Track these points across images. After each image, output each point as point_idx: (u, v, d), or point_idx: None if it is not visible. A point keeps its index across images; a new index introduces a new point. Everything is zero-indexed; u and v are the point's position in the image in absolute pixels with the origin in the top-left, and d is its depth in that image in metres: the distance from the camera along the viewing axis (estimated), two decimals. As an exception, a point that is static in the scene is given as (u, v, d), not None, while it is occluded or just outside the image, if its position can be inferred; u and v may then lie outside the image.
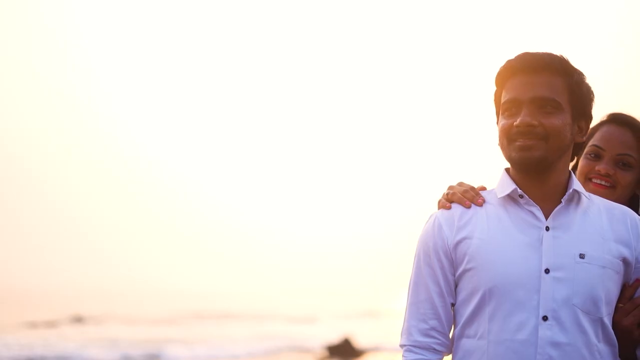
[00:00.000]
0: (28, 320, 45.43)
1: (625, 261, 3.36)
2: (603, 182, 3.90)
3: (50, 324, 43.32)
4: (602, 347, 3.31)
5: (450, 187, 3.50)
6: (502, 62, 3.38)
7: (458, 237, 3.35)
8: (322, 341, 34.79)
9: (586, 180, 3.93)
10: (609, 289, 3.32)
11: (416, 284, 3.43)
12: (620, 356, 3.39)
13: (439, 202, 3.48)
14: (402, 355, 3.42)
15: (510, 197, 3.37)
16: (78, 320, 47.11)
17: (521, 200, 3.35)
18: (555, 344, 3.24)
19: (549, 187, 3.36)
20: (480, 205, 3.40)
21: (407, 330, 3.42)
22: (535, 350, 3.24)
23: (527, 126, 3.28)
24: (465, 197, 3.42)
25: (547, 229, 3.32)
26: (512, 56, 3.39)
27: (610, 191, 3.89)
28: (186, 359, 30.17)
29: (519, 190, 3.35)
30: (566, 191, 3.37)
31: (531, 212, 3.34)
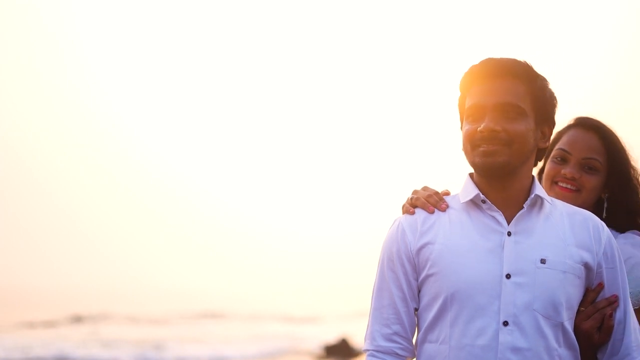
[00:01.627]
0: (26, 320, 45.37)
1: (586, 266, 3.38)
2: (569, 186, 3.91)
3: (49, 324, 43.26)
4: (563, 352, 3.34)
5: (415, 192, 3.52)
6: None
7: (421, 243, 3.38)
8: (320, 341, 34.76)
9: (552, 183, 3.95)
10: (570, 294, 3.34)
11: (379, 289, 3.45)
12: None
13: (403, 206, 3.50)
14: None
15: (473, 202, 3.40)
16: (77, 320, 47.04)
17: (484, 206, 3.37)
18: (516, 349, 3.27)
19: (511, 193, 3.38)
20: (444, 210, 3.42)
21: (370, 335, 3.44)
22: (495, 356, 3.27)
23: (490, 132, 3.29)
24: (428, 202, 3.44)
25: (509, 234, 3.34)
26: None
27: (575, 195, 3.90)
28: (185, 359, 30.13)
29: (481, 195, 3.37)
30: (529, 196, 3.39)
31: (493, 217, 3.36)
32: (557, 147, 3.98)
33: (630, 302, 3.48)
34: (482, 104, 3.33)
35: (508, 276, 3.30)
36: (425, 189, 3.52)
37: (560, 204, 3.47)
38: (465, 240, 3.34)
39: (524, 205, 3.37)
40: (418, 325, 3.43)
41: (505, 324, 3.28)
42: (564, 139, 3.98)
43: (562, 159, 3.95)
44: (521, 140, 3.33)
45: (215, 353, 31.73)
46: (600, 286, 3.42)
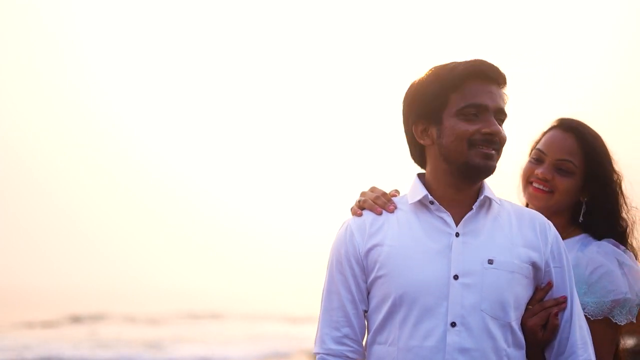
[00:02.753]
0: (25, 320, 45.32)
1: (534, 265, 3.38)
2: (541, 187, 3.87)
3: (47, 324, 43.21)
4: (511, 352, 3.34)
5: (362, 194, 3.51)
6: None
7: (369, 245, 3.37)
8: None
9: (527, 183, 3.92)
10: (517, 294, 3.34)
11: (329, 292, 3.44)
12: (527, 358, 3.42)
13: (351, 209, 3.49)
14: None
15: (421, 203, 3.39)
16: (75, 320, 47.00)
17: (432, 207, 3.37)
18: (464, 350, 3.27)
19: (463, 194, 3.38)
20: (392, 211, 3.42)
21: (320, 338, 3.43)
22: (443, 357, 3.26)
23: (497, 135, 3.32)
24: (376, 203, 3.43)
25: (457, 235, 3.34)
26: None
27: (548, 196, 3.87)
28: (185, 359, 30.08)
29: (429, 196, 3.37)
30: (478, 197, 3.39)
31: (441, 218, 3.36)
32: (536, 147, 3.96)
33: (577, 301, 3.48)
34: (484, 104, 3.32)
35: (456, 277, 3.30)
36: (373, 190, 3.52)
37: (508, 205, 3.47)
38: (414, 242, 3.34)
39: (473, 207, 3.37)
40: (367, 327, 3.43)
41: (453, 325, 3.28)
42: (543, 139, 3.94)
43: (538, 160, 3.91)
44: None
45: (214, 353, 31.68)
46: (549, 285, 3.42)
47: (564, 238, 3.86)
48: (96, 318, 48.97)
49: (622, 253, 3.80)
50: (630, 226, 3.90)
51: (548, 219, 3.82)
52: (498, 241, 3.35)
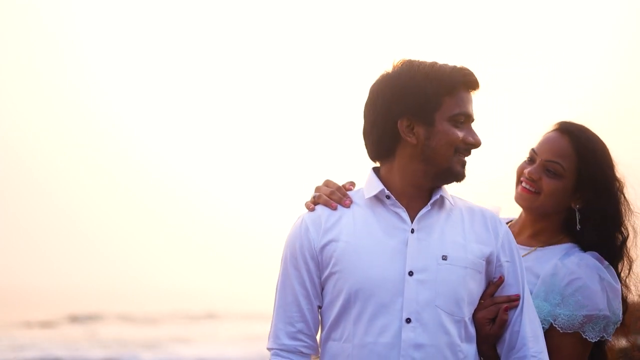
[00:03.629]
0: (23, 319, 45.31)
1: (487, 260, 3.41)
2: (528, 187, 3.81)
3: (46, 324, 43.20)
4: (466, 347, 3.36)
5: (317, 189, 3.49)
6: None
7: (325, 240, 3.37)
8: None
9: (518, 182, 3.88)
10: (471, 290, 3.37)
11: (283, 287, 3.44)
12: (479, 353, 3.44)
13: (305, 204, 3.48)
14: (270, 359, 3.43)
15: (377, 198, 3.40)
16: (74, 320, 46.98)
17: (388, 201, 3.38)
18: (418, 346, 3.28)
19: (420, 191, 3.40)
20: (348, 206, 3.42)
21: (274, 333, 3.43)
22: (398, 353, 3.28)
23: (478, 146, 3.39)
24: (331, 198, 3.43)
25: (412, 231, 3.36)
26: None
27: (534, 197, 3.80)
28: (183, 359, 30.06)
29: (386, 191, 3.38)
30: (431, 194, 3.40)
31: (397, 213, 3.37)
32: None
33: (529, 295, 3.49)
34: (470, 114, 3.38)
35: (411, 273, 3.31)
36: (327, 184, 3.50)
37: (460, 202, 3.49)
38: (369, 238, 3.35)
39: (429, 204, 3.38)
40: (322, 323, 3.43)
41: (408, 321, 3.29)
42: (539, 140, 3.88)
43: (531, 159, 3.85)
44: None
45: (212, 353, 31.65)
46: (501, 280, 3.44)
47: (549, 244, 3.84)
48: (94, 318, 48.96)
49: (604, 268, 3.72)
50: (632, 237, 3.82)
51: (535, 222, 3.79)
52: (451, 238, 3.37)
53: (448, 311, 3.32)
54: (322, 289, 3.40)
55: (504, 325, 3.42)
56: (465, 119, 3.36)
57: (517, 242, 3.79)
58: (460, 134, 3.34)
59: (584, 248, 3.78)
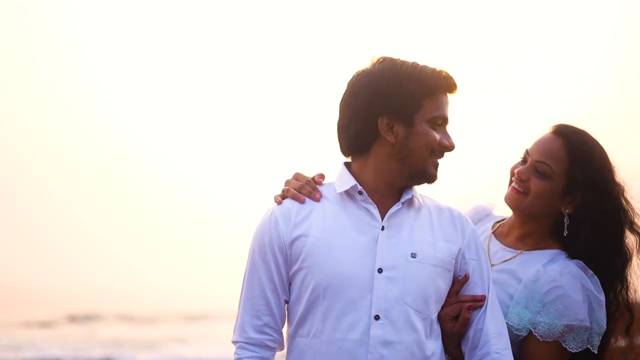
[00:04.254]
0: (22, 319, 45.29)
1: (454, 259, 3.42)
2: (516, 186, 3.75)
3: (45, 324, 43.17)
4: (432, 344, 3.37)
5: (287, 183, 3.48)
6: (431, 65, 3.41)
7: (294, 234, 3.36)
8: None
9: (511, 181, 3.81)
10: (439, 288, 3.38)
11: (250, 279, 3.41)
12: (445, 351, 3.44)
13: (275, 197, 3.45)
14: (235, 352, 3.41)
15: (348, 194, 3.39)
16: (73, 320, 46.96)
17: (359, 197, 3.38)
18: (387, 343, 3.29)
19: (391, 189, 3.40)
20: (317, 200, 3.41)
21: (240, 326, 3.41)
22: (366, 350, 3.28)
23: (452, 150, 3.41)
24: (301, 192, 3.42)
25: (383, 228, 3.36)
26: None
27: (522, 197, 3.74)
28: (182, 359, 30.02)
29: (359, 186, 3.37)
30: (402, 192, 3.41)
31: (368, 210, 3.37)
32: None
33: (494, 293, 3.48)
34: (447, 117, 3.39)
35: (380, 270, 3.31)
36: (297, 177, 3.48)
37: (429, 201, 3.50)
38: (339, 234, 3.34)
39: (399, 203, 3.38)
40: (289, 318, 3.42)
41: (377, 317, 3.29)
42: (534, 141, 3.81)
43: (524, 160, 3.79)
44: None
45: (212, 353, 31.60)
46: (466, 277, 3.45)
47: (536, 249, 3.77)
48: (93, 318, 48.93)
49: (587, 278, 3.65)
50: (636, 247, 3.73)
51: (523, 224, 3.76)
52: (420, 236, 3.38)
53: (416, 309, 3.32)
54: (290, 284, 3.38)
55: (466, 324, 3.42)
56: (442, 121, 3.37)
57: (504, 244, 3.80)
58: (437, 136, 3.35)
59: (572, 255, 3.71)
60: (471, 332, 3.43)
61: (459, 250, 3.43)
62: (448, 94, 3.39)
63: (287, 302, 3.41)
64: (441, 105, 3.36)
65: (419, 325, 3.33)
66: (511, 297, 3.67)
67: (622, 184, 3.75)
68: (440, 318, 3.41)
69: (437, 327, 3.39)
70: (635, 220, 3.75)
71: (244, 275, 3.43)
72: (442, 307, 3.41)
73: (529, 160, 3.75)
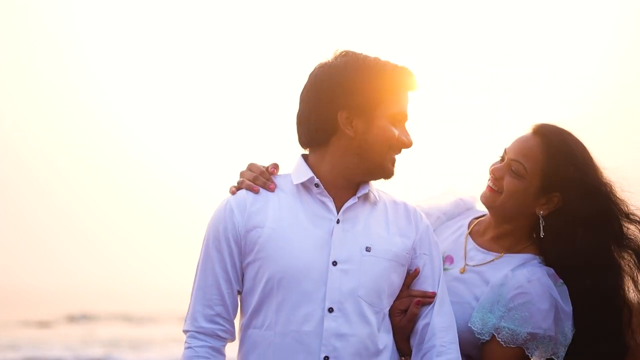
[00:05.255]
0: (21, 319, 45.29)
1: (408, 253, 3.43)
2: (492, 185, 3.68)
3: (44, 324, 43.17)
4: (385, 338, 3.38)
5: (241, 174, 3.47)
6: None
7: (249, 225, 3.35)
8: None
9: (488, 179, 3.73)
10: (392, 282, 3.39)
11: (204, 269, 3.40)
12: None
13: (230, 189, 3.45)
14: (185, 341, 3.40)
15: (305, 186, 3.40)
16: (71, 319, 46.95)
17: (315, 190, 3.38)
18: (340, 335, 3.29)
19: (348, 183, 3.40)
20: (272, 190, 3.41)
21: (192, 315, 3.39)
22: (320, 342, 3.28)
23: (409, 147, 3.41)
24: (255, 183, 3.42)
25: (338, 221, 3.36)
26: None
27: (495, 196, 3.66)
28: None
29: (315, 179, 3.38)
30: (358, 187, 3.41)
31: (323, 202, 3.37)
32: None
33: (444, 289, 3.48)
34: (406, 114, 3.40)
35: (335, 263, 3.32)
36: (251, 168, 3.47)
37: (385, 196, 3.51)
38: (294, 226, 3.34)
39: (355, 197, 3.39)
40: (242, 309, 3.42)
41: (331, 310, 3.30)
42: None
43: (502, 158, 3.70)
44: None
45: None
46: (416, 272, 3.45)
47: (512, 251, 3.70)
48: (92, 318, 48.93)
49: (555, 287, 3.57)
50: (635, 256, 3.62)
51: (498, 224, 3.70)
52: (375, 230, 3.39)
53: (369, 302, 3.33)
54: (243, 274, 3.38)
55: (413, 318, 3.42)
56: (402, 118, 3.38)
57: (478, 243, 3.73)
58: (396, 133, 3.36)
59: (546, 261, 3.65)
60: (419, 327, 3.43)
61: (412, 244, 3.43)
62: (409, 91, 3.39)
63: (240, 292, 3.41)
64: (401, 102, 3.37)
65: (372, 319, 3.34)
66: (477, 299, 3.62)
67: (609, 182, 3.65)
68: (389, 312, 3.41)
69: (389, 321, 3.41)
70: (632, 210, 3.64)
71: (198, 264, 3.42)
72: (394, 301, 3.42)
73: (505, 158, 3.67)
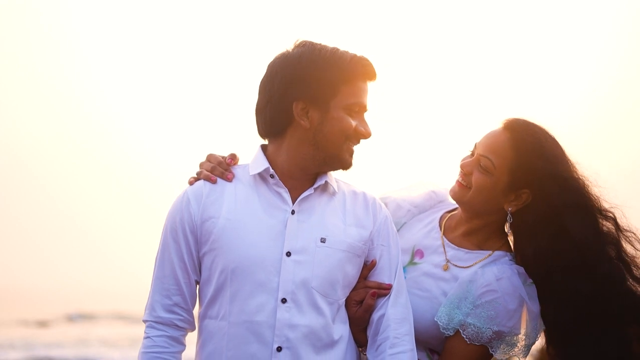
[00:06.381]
0: (20, 318, 45.29)
1: (365, 244, 3.42)
2: (461, 180, 3.63)
3: (43, 323, 43.17)
4: (341, 328, 3.38)
5: (200, 165, 3.48)
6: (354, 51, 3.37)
7: (205, 216, 3.36)
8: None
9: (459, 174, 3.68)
10: (347, 273, 3.38)
11: (162, 259, 3.41)
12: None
13: (188, 180, 3.45)
14: (144, 331, 3.42)
15: (262, 176, 3.40)
16: (71, 319, 46.96)
17: (271, 180, 3.38)
18: (293, 326, 3.30)
19: (305, 174, 3.40)
20: (230, 180, 3.41)
21: (150, 305, 3.41)
22: (273, 332, 3.29)
23: (368, 137, 3.39)
24: (213, 174, 3.42)
25: (293, 212, 3.36)
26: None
27: (464, 191, 3.62)
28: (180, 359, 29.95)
29: (271, 169, 3.38)
30: (316, 177, 3.41)
31: (279, 193, 3.37)
32: None
33: (402, 280, 3.46)
34: (365, 105, 3.38)
35: (289, 254, 3.32)
36: (209, 159, 3.48)
37: (345, 186, 3.50)
38: (249, 217, 3.34)
39: (312, 188, 3.39)
40: (200, 299, 3.42)
41: (284, 301, 3.30)
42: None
43: (472, 153, 3.65)
44: None
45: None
46: (373, 263, 3.44)
47: (482, 248, 3.65)
48: (90, 317, 48.92)
49: (524, 287, 3.53)
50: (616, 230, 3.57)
51: (468, 219, 3.66)
52: (331, 221, 3.38)
53: (323, 293, 3.33)
54: (200, 264, 3.39)
55: (369, 309, 3.42)
56: (359, 108, 3.36)
57: (448, 239, 3.68)
58: (353, 123, 3.34)
59: (521, 258, 3.60)
60: (374, 318, 3.42)
61: (369, 235, 3.42)
62: (368, 82, 3.37)
63: (198, 282, 3.41)
64: (359, 92, 3.34)
65: (326, 310, 3.33)
66: (445, 294, 3.59)
67: (582, 177, 3.60)
68: (346, 302, 3.41)
69: (345, 312, 3.41)
70: (604, 206, 3.58)
71: (156, 255, 3.43)
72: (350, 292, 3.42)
73: (475, 153, 3.62)
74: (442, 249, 3.67)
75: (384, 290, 3.42)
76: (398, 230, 3.71)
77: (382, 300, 3.42)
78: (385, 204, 3.70)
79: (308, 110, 3.32)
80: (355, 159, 3.40)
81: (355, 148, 3.40)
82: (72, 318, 47.53)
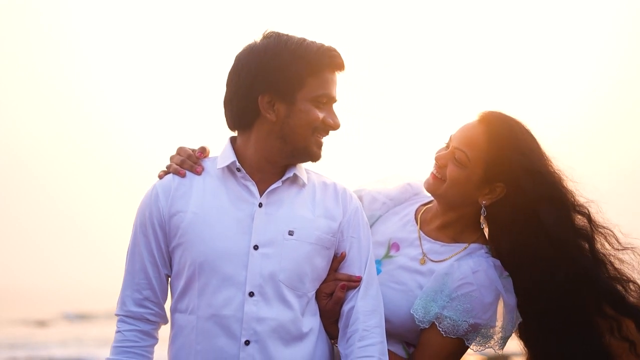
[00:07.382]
0: (18, 318, 45.28)
1: (334, 236, 3.40)
2: (435, 172, 3.61)
3: (42, 323, 43.16)
4: (311, 321, 3.38)
5: (170, 158, 3.47)
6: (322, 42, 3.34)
7: (173, 210, 3.36)
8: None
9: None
10: (316, 265, 3.37)
11: (132, 253, 3.42)
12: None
13: (158, 173, 3.45)
14: (116, 325, 3.43)
15: (229, 169, 3.39)
16: (69, 318, 46.94)
17: (238, 174, 3.37)
18: (261, 320, 3.29)
19: (273, 166, 3.38)
20: (199, 173, 3.40)
21: (121, 300, 3.42)
22: (240, 326, 3.28)
23: (337, 128, 3.36)
24: (183, 167, 3.42)
25: (260, 205, 3.35)
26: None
27: (438, 183, 3.60)
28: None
29: (237, 163, 3.36)
30: (285, 170, 3.40)
31: (246, 186, 3.36)
32: None
33: (372, 272, 3.44)
34: (333, 96, 3.35)
35: (256, 247, 3.31)
36: (179, 152, 3.47)
37: (315, 177, 3.48)
38: (217, 210, 3.34)
39: (280, 180, 3.37)
40: (171, 293, 3.44)
41: (251, 294, 3.29)
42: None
43: (447, 145, 3.62)
44: None
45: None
46: (342, 255, 3.43)
47: (457, 241, 3.63)
48: (88, 316, 48.92)
49: (500, 280, 3.52)
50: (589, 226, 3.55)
51: (444, 212, 3.63)
52: (300, 213, 3.37)
53: (290, 286, 3.32)
54: (170, 258, 3.40)
55: (339, 302, 3.41)
56: (327, 100, 3.33)
57: (424, 232, 3.66)
58: (320, 115, 3.32)
59: (497, 251, 3.58)
60: (344, 310, 3.41)
61: (339, 226, 3.41)
62: (336, 72, 3.34)
63: (169, 276, 3.42)
64: (326, 84, 3.31)
65: (294, 303, 3.33)
66: (420, 287, 3.56)
67: (558, 171, 3.58)
68: (316, 295, 3.40)
69: (315, 304, 3.40)
70: (579, 201, 3.57)
71: (127, 249, 3.43)
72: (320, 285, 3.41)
73: (450, 146, 3.59)
74: (419, 242, 3.65)
75: (353, 282, 3.40)
76: (373, 224, 3.71)
77: (351, 293, 3.40)
78: (360, 197, 3.70)
79: (274, 103, 3.29)
80: (324, 151, 3.37)
81: (329, 140, 3.37)
82: (70, 317, 47.52)
